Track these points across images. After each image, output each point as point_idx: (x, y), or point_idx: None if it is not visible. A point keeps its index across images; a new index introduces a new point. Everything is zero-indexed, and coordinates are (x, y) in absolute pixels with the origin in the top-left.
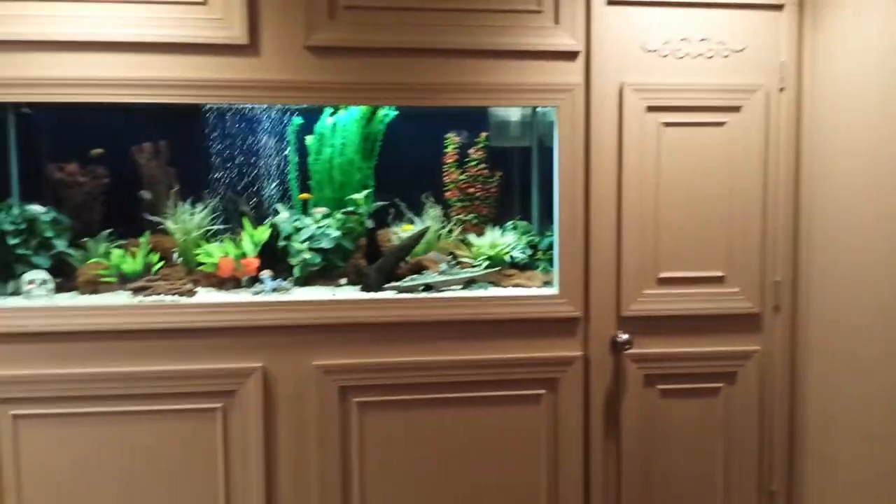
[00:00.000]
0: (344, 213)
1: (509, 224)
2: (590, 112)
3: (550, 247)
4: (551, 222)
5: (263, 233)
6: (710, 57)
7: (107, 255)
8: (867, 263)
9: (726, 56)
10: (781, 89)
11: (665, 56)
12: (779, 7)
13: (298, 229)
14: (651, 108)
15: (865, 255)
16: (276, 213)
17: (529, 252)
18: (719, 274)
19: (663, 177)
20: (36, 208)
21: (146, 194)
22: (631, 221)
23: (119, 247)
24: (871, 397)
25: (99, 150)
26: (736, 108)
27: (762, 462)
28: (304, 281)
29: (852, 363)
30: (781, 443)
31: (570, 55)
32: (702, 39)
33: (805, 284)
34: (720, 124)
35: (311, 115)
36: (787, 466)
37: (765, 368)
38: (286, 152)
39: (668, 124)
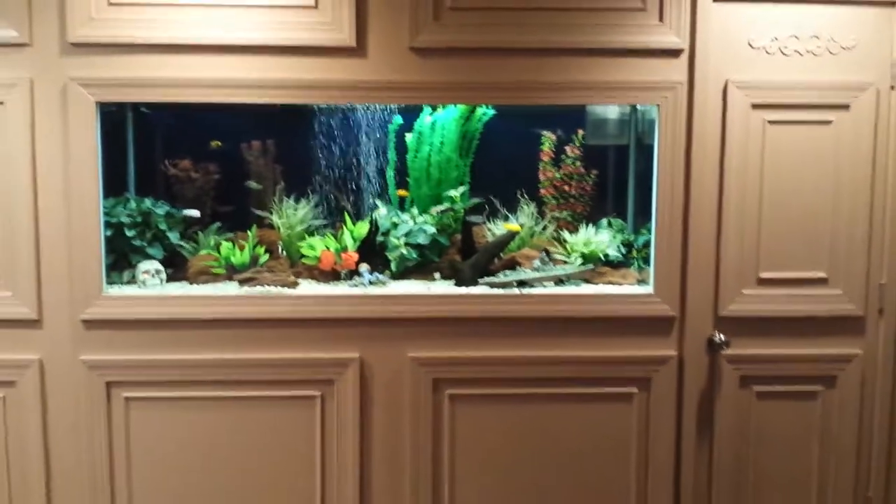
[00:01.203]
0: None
1: (604, 222)
2: (692, 109)
3: (645, 245)
4: (646, 220)
5: (363, 228)
6: (819, 54)
7: (216, 247)
8: None
9: (835, 53)
10: (893, 87)
11: (772, 53)
12: (892, 3)
13: (396, 225)
14: (756, 106)
15: None
16: (376, 208)
17: (624, 250)
18: (822, 275)
19: (766, 175)
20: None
21: (254, 184)
22: (732, 220)
23: (228, 240)
24: None
25: (217, 143)
26: (844, 107)
27: (859, 468)
28: (400, 275)
29: None
30: (880, 449)
31: (674, 53)
32: (811, 36)
33: None
34: (827, 122)
35: (411, 114)
36: (885, 473)
37: (866, 373)
38: (386, 150)
39: (773, 122)
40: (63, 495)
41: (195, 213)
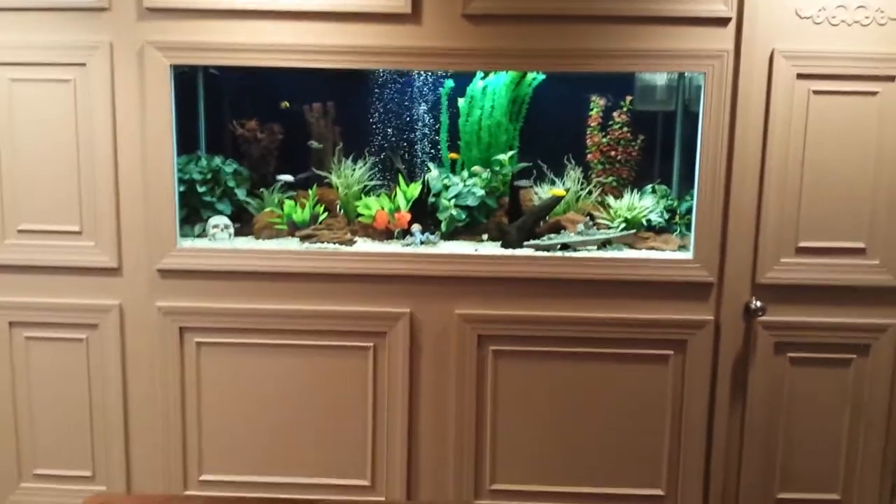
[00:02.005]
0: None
1: (648, 188)
2: (738, 78)
3: (688, 211)
4: (691, 187)
5: (415, 189)
6: (867, 24)
7: (280, 204)
8: None
9: (883, 24)
10: None
11: (819, 23)
12: None
13: (447, 187)
14: (801, 76)
15: None
16: (429, 170)
17: (667, 216)
18: (860, 245)
19: (809, 145)
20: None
21: (315, 144)
22: (773, 189)
23: (290, 198)
24: None
25: (286, 104)
26: (890, 78)
27: (889, 435)
28: (449, 235)
29: None
30: None
31: (722, 21)
32: (858, 6)
33: None
34: (873, 94)
35: (463, 79)
36: None
37: None
38: (439, 113)
39: (817, 92)
40: (139, 428)
41: (289, 177)
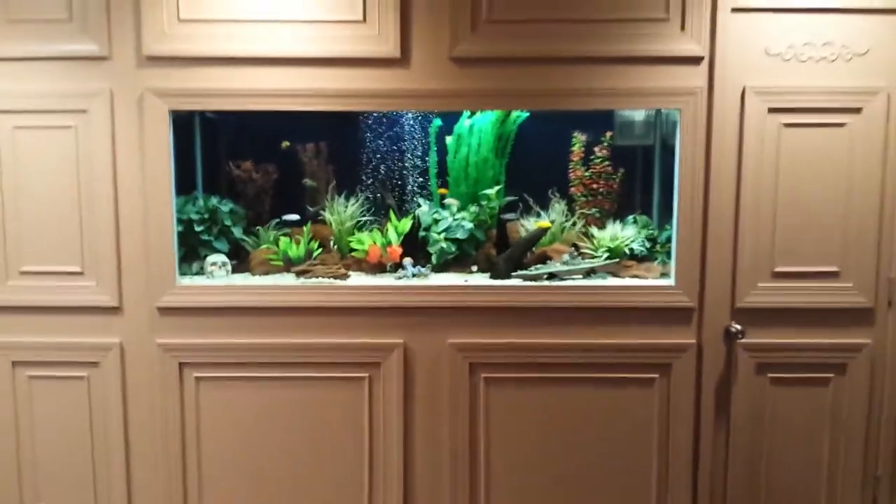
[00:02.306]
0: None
1: (630, 218)
2: (712, 113)
3: (668, 240)
4: (670, 217)
5: (406, 224)
6: (833, 60)
7: (275, 241)
8: None
9: (849, 59)
10: None
11: (788, 60)
12: None
13: (437, 221)
14: (772, 110)
15: None
16: (419, 206)
17: (648, 245)
18: (834, 269)
19: (782, 175)
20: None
21: (310, 182)
22: (748, 217)
23: (285, 235)
24: None
25: (286, 143)
26: (857, 110)
27: (868, 449)
28: (440, 267)
29: None
30: (888, 431)
31: (695, 60)
32: (825, 43)
33: None
34: (841, 125)
35: (451, 118)
36: (893, 454)
37: (875, 361)
38: (427, 152)
39: (788, 125)
40: (140, 460)
41: (295, 217)
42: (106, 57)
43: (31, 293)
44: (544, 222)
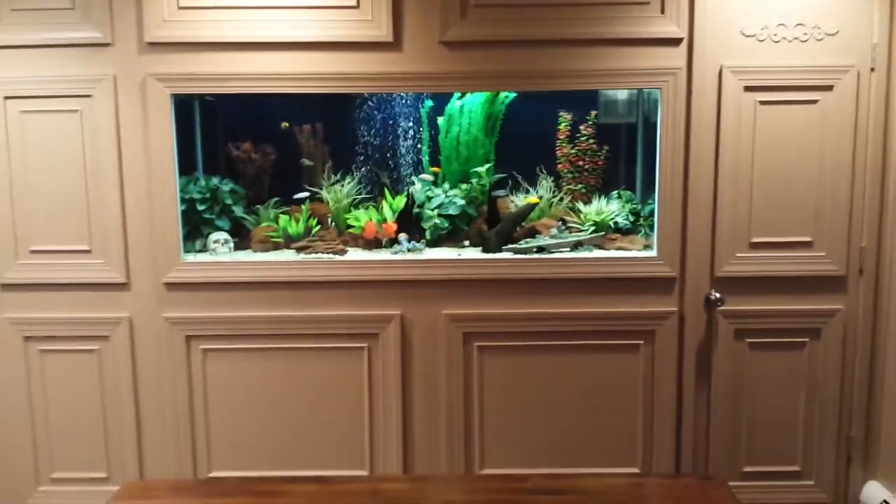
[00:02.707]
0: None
1: (614, 193)
2: (691, 92)
3: (651, 214)
4: (653, 191)
5: (401, 201)
6: (805, 40)
7: (275, 219)
8: None
9: (821, 39)
10: (872, 69)
11: (762, 40)
12: None
13: (430, 198)
14: (748, 88)
15: None
16: (413, 184)
17: (632, 219)
18: (808, 239)
19: (758, 150)
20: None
21: (307, 162)
22: (726, 191)
23: (284, 213)
24: None
25: (286, 124)
26: (828, 87)
27: (842, 410)
28: (434, 243)
29: None
30: (861, 393)
31: (674, 41)
32: (797, 24)
33: (889, 250)
34: (813, 102)
35: (442, 99)
36: (865, 414)
37: (848, 325)
38: (420, 131)
39: (763, 102)
40: (151, 430)
41: (305, 194)
42: (109, 43)
43: (41, 271)
44: (533, 198)
